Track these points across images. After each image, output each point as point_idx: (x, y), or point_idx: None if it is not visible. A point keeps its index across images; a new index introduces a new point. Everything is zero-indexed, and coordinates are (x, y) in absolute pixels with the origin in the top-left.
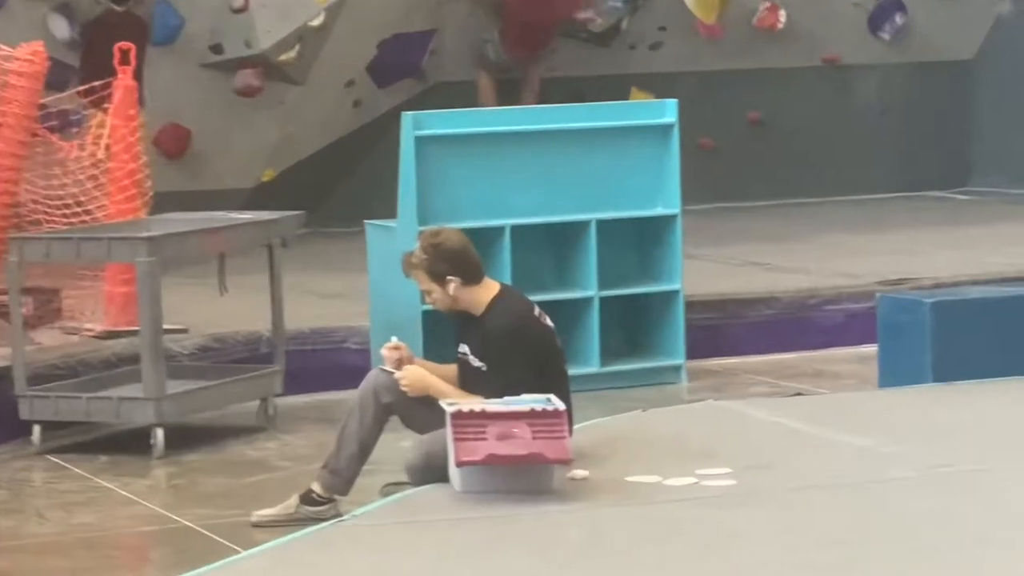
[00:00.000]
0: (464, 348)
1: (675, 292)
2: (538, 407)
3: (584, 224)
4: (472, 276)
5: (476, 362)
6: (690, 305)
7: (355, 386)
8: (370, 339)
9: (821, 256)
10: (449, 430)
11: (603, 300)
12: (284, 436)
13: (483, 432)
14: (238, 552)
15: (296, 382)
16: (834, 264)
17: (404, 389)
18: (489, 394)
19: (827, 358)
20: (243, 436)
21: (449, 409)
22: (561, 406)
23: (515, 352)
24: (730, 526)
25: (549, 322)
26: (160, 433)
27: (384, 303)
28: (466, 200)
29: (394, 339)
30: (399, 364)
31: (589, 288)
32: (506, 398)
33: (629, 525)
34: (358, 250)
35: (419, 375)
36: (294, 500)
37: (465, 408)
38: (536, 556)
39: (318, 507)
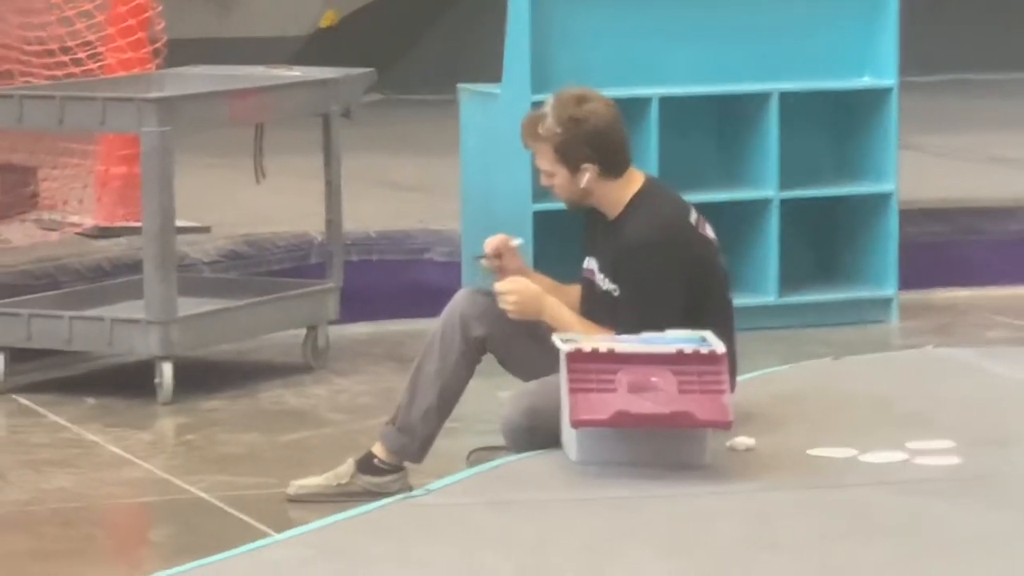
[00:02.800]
0: (591, 263)
1: (886, 196)
2: (688, 348)
3: (762, 97)
4: (615, 167)
5: (606, 283)
6: (907, 215)
7: (438, 313)
8: (461, 248)
9: None
10: (564, 376)
11: (785, 204)
12: (338, 379)
13: (611, 381)
14: (268, 535)
15: (357, 305)
16: None
17: (506, 309)
18: (622, 327)
19: None
20: (281, 377)
21: (564, 347)
22: (720, 348)
23: (660, 271)
24: (949, 521)
25: (711, 233)
26: (168, 370)
27: (481, 199)
28: (598, 60)
29: (518, 240)
30: (502, 270)
31: (767, 187)
32: (644, 335)
33: (809, 516)
34: (446, 125)
35: (530, 291)
36: (348, 467)
37: (587, 347)
38: (675, 556)
39: (381, 477)
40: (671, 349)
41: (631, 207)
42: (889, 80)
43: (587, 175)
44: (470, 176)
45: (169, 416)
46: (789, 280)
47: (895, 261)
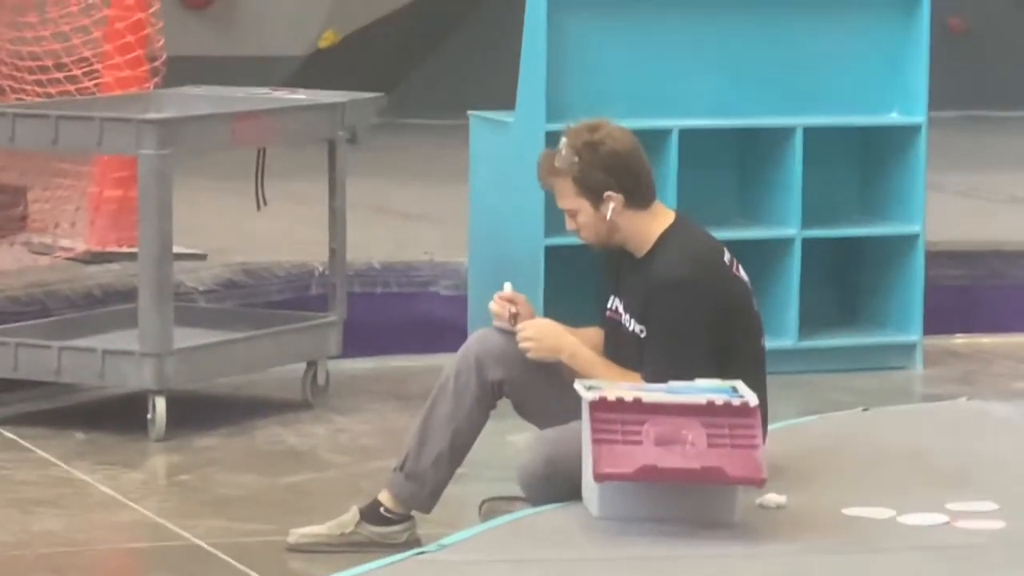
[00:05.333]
0: (616, 303)
1: (913, 237)
2: (719, 399)
3: (785, 132)
4: (640, 196)
5: (632, 324)
6: (930, 257)
7: (443, 349)
8: (468, 282)
9: None
10: (586, 426)
11: (807, 244)
12: (339, 418)
13: (637, 432)
14: None
15: (358, 339)
16: None
17: (525, 348)
18: (649, 370)
19: None
20: (280, 415)
21: (587, 395)
22: (753, 400)
23: (692, 312)
24: None
25: (744, 275)
26: (161, 405)
27: (490, 231)
28: (616, 90)
29: (507, 287)
30: (514, 322)
31: (789, 225)
32: (672, 384)
33: None
34: (454, 152)
35: (550, 330)
36: (353, 515)
37: (612, 395)
38: None
39: (388, 527)
40: (701, 400)
41: (661, 244)
42: (918, 117)
43: (612, 205)
44: (479, 207)
45: (162, 454)
46: (809, 323)
47: (920, 305)
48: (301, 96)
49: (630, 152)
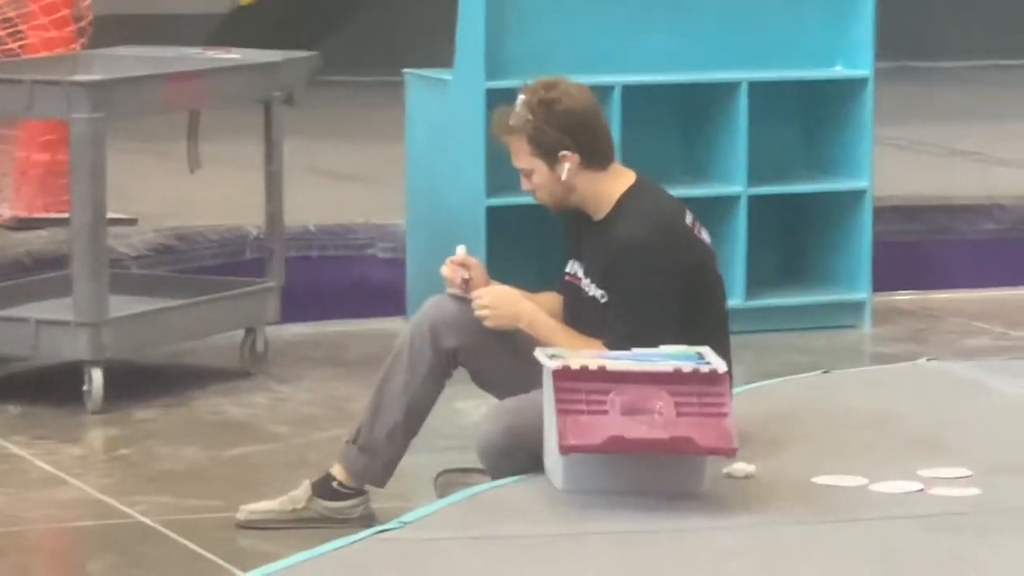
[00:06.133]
0: (575, 267)
1: (860, 193)
2: (686, 367)
3: (730, 87)
4: (598, 156)
5: (592, 289)
6: (878, 213)
7: (382, 313)
8: (406, 244)
9: None
10: (549, 396)
11: (753, 201)
12: (280, 386)
13: (602, 402)
14: (218, 565)
15: (295, 304)
16: None
17: (481, 316)
18: (611, 337)
19: None
20: (219, 384)
21: (550, 364)
22: (721, 367)
23: (655, 276)
24: (975, 561)
25: (706, 237)
26: (98, 376)
27: (429, 191)
28: (558, 46)
29: (460, 250)
30: (467, 288)
31: (734, 182)
32: (636, 351)
33: (819, 552)
34: (383, 111)
35: (507, 297)
36: (304, 490)
37: (575, 364)
38: None
39: (341, 502)
40: (668, 367)
41: (621, 205)
42: (864, 70)
43: (567, 165)
44: (416, 167)
45: (99, 427)
46: (756, 282)
47: (868, 262)
48: (235, 56)
49: (586, 111)
